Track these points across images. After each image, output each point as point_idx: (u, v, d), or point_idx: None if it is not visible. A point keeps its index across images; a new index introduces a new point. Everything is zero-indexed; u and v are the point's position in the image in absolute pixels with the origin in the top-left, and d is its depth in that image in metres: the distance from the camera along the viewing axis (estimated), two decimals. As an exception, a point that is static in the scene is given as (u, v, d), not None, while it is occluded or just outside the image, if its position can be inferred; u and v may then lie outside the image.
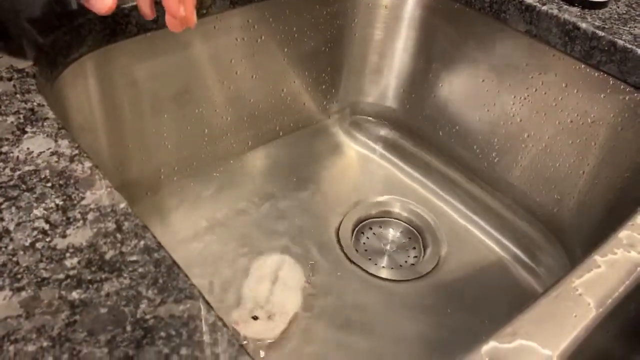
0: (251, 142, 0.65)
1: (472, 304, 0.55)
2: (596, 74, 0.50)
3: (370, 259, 0.59)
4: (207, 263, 0.55)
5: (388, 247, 0.60)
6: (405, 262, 0.59)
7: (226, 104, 0.60)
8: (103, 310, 0.23)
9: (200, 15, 0.51)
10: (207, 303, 0.24)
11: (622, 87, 0.49)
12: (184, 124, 0.57)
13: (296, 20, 0.60)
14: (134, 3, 0.46)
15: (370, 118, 0.72)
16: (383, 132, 0.71)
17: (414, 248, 0.61)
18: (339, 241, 0.59)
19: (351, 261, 0.57)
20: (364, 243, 0.60)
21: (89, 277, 0.25)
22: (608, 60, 0.49)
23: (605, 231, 0.37)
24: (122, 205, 0.28)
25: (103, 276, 0.25)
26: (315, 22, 0.62)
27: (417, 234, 0.62)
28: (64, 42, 0.41)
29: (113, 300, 0.24)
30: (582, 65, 0.51)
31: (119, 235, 0.26)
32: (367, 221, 0.63)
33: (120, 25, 0.45)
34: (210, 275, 0.54)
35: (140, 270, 0.25)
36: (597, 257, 0.32)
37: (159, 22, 0.48)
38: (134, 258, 0.25)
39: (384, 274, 0.57)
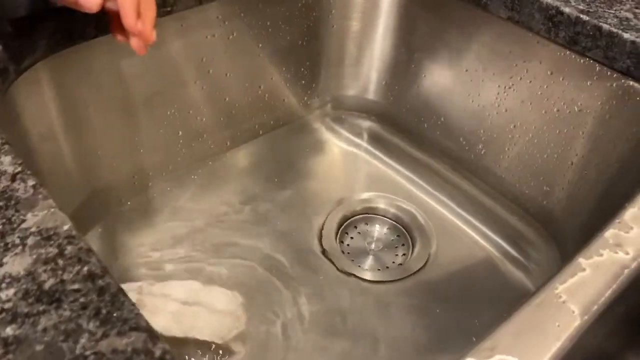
0: (230, 142, 0.63)
1: (462, 302, 0.53)
2: (582, 61, 0.48)
3: (355, 260, 0.57)
4: (185, 271, 0.53)
5: (374, 246, 0.58)
6: (393, 262, 0.57)
7: (200, 104, 0.58)
8: (39, 348, 0.21)
9: (164, 13, 0.48)
10: (154, 334, 0.22)
11: (608, 73, 0.47)
12: (156, 127, 0.55)
13: (270, 13, 0.58)
14: (92, 3, 0.43)
15: (353, 112, 0.69)
16: (366, 126, 0.69)
17: (403, 245, 0.59)
18: (321, 242, 0.57)
19: (333, 263, 0.55)
20: (348, 244, 0.58)
21: (25, 310, 0.23)
22: (593, 45, 0.47)
23: (596, 223, 0.35)
24: (65, 227, 0.26)
25: (41, 308, 0.23)
26: (291, 15, 0.60)
27: (405, 232, 0.60)
28: (15, 49, 0.39)
29: (50, 336, 0.22)
30: (567, 52, 0.49)
31: (60, 262, 0.24)
32: (352, 219, 0.61)
33: (78, 28, 0.43)
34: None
35: (81, 300, 0.23)
36: (581, 260, 0.30)
37: (119, 23, 0.45)
38: (75, 287, 0.23)
39: (370, 275, 0.55)
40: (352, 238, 0.59)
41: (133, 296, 0.45)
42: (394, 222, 0.61)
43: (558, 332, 0.27)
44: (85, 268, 0.24)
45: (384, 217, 0.61)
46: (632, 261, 0.30)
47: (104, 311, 0.23)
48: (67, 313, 0.22)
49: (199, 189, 0.60)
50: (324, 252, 0.56)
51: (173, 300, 0.46)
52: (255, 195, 0.61)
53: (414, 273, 0.56)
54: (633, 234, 0.32)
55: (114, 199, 0.54)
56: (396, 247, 0.58)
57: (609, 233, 0.31)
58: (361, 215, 0.61)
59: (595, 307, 0.28)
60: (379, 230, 0.60)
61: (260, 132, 0.65)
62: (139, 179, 0.56)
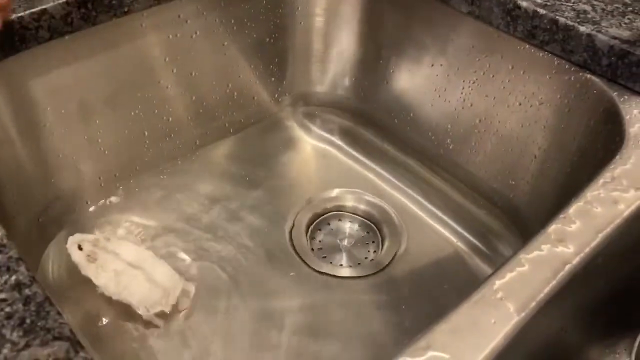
0: (199, 141, 0.63)
1: (429, 297, 0.54)
2: (541, 54, 0.48)
3: (325, 257, 0.57)
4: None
5: (345, 242, 0.59)
6: (365, 258, 0.57)
7: (165, 104, 0.57)
8: (-40, 359, 0.21)
9: (121, 13, 0.48)
10: (77, 343, 0.22)
11: (567, 66, 0.47)
12: (120, 128, 0.54)
13: (233, 11, 0.58)
14: (44, 6, 0.43)
15: (324, 108, 0.69)
16: (338, 122, 0.69)
17: (373, 242, 0.59)
18: (292, 240, 0.57)
19: (305, 261, 0.56)
20: (320, 240, 0.58)
21: (-51, 321, 0.23)
22: (551, 39, 0.47)
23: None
24: (-3, 236, 0.26)
25: (-35, 319, 0.23)
26: (256, 12, 0.60)
27: (375, 228, 0.60)
28: (-37, 54, 0.39)
29: (-27, 346, 0.22)
30: (526, 46, 0.49)
31: (-12, 271, 0.24)
32: (323, 217, 0.61)
33: (30, 31, 0.43)
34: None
35: (7, 309, 0.23)
36: (522, 255, 0.30)
37: (74, 24, 0.45)
38: (2, 296, 0.23)
39: (340, 272, 0.55)
40: (323, 235, 0.59)
41: (87, 247, 0.47)
42: (363, 219, 0.61)
43: (494, 330, 0.27)
44: (13, 277, 0.24)
45: (355, 214, 0.61)
46: (573, 256, 0.31)
47: (28, 321, 0.23)
48: (-9, 323, 0.22)
49: (167, 189, 0.60)
50: (295, 249, 0.56)
51: (121, 260, 0.47)
52: (226, 194, 0.61)
53: (384, 269, 0.56)
54: (576, 228, 0.32)
55: (79, 202, 0.54)
56: (367, 243, 0.59)
57: (552, 228, 0.32)
58: (332, 212, 0.61)
59: (533, 303, 0.28)
60: (349, 226, 0.60)
61: (231, 131, 0.65)
62: (105, 180, 0.56)
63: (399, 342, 0.50)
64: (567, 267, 0.30)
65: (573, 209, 0.33)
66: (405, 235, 0.58)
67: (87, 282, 0.47)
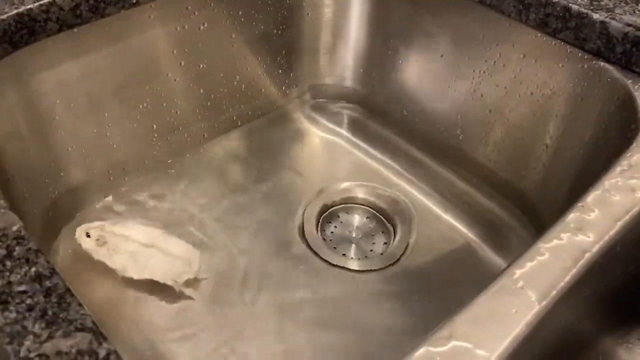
0: (207, 134, 0.62)
1: (441, 289, 0.53)
2: (553, 43, 0.48)
3: (336, 249, 0.57)
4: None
5: (355, 235, 0.58)
6: (372, 250, 0.57)
7: (174, 97, 0.57)
8: (-17, 351, 0.21)
9: (129, 5, 0.47)
10: (100, 334, 0.22)
11: (579, 54, 0.46)
12: (128, 122, 0.54)
13: (241, 3, 0.57)
14: (53, -2, 0.42)
15: (332, 100, 0.69)
16: (346, 114, 0.69)
17: (383, 234, 0.59)
18: (302, 233, 0.57)
19: (315, 253, 0.55)
20: (331, 232, 0.58)
21: (-30, 313, 0.22)
22: (564, 27, 0.46)
23: (572, 206, 0.35)
24: (14, 228, 0.26)
25: (-14, 311, 0.23)
26: (263, 4, 0.59)
27: (385, 220, 0.60)
28: (-27, 47, 0.39)
29: (-5, 338, 0.22)
30: (538, 34, 0.48)
31: (8, 263, 0.24)
32: (333, 209, 0.61)
33: (39, 23, 0.42)
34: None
35: (28, 301, 0.23)
36: (541, 245, 0.30)
37: (83, 17, 0.45)
38: (22, 288, 0.23)
39: (351, 264, 0.55)
40: (335, 227, 0.59)
41: (95, 233, 0.48)
42: (374, 211, 0.60)
43: (515, 319, 0.27)
44: (33, 269, 0.24)
45: (365, 205, 0.61)
46: (593, 244, 0.30)
47: (50, 312, 0.22)
48: (12, 315, 0.22)
49: (176, 183, 0.60)
50: (306, 241, 0.56)
51: (132, 241, 0.48)
52: (235, 186, 0.61)
53: (396, 261, 0.56)
54: (595, 217, 0.32)
55: (88, 196, 0.54)
56: (377, 235, 0.58)
57: (571, 217, 0.31)
58: (342, 204, 0.61)
59: (554, 292, 0.28)
60: (359, 218, 0.60)
61: (239, 123, 0.65)
62: (114, 174, 0.55)
63: (413, 333, 0.50)
64: (587, 255, 0.30)
65: (591, 198, 0.33)
66: (416, 226, 0.58)
67: (100, 274, 0.47)
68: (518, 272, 0.28)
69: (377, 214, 0.60)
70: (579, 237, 0.30)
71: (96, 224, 0.49)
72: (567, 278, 0.29)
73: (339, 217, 0.60)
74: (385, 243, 0.58)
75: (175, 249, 0.49)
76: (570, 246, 0.30)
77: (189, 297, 0.49)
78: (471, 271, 0.55)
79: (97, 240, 0.47)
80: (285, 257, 0.54)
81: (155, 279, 0.47)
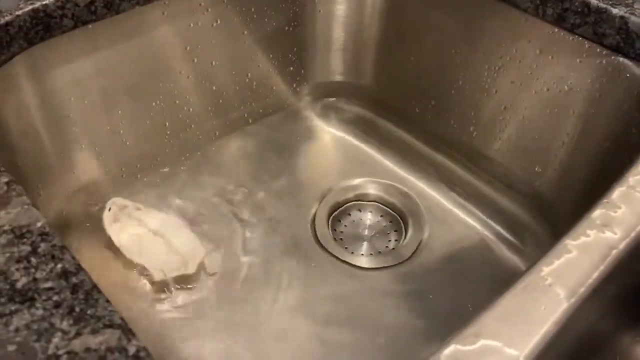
0: (218, 132, 0.62)
1: (456, 286, 0.53)
2: (571, 38, 0.47)
3: (348, 247, 0.56)
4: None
5: (367, 232, 0.58)
6: (386, 247, 0.56)
7: (186, 94, 0.57)
8: (11, 348, 0.21)
9: (144, 1, 0.47)
10: (129, 331, 0.22)
11: (598, 50, 0.46)
12: (141, 119, 0.54)
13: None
14: (68, -6, 0.42)
15: (343, 97, 0.68)
16: (357, 111, 0.68)
17: (395, 231, 0.58)
18: (314, 230, 0.57)
19: (327, 251, 0.55)
20: (341, 231, 0.58)
21: (-3, 310, 0.22)
22: (582, 22, 0.46)
23: (589, 203, 0.34)
24: (39, 224, 0.25)
25: (13, 308, 0.22)
26: (275, 1, 0.59)
27: (398, 217, 0.59)
28: (-11, 43, 0.38)
29: (23, 336, 0.21)
30: (556, 30, 0.48)
31: (33, 260, 0.24)
32: (344, 207, 0.60)
33: (55, 19, 0.42)
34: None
35: (55, 298, 0.23)
36: (568, 241, 0.29)
37: (97, 13, 0.44)
38: (48, 285, 0.23)
39: (363, 261, 0.55)
40: (345, 225, 0.58)
41: (114, 209, 0.50)
42: (386, 208, 0.60)
43: (544, 316, 0.26)
44: (59, 265, 0.24)
45: (377, 202, 0.61)
46: (619, 241, 0.30)
47: (77, 309, 0.22)
48: (39, 312, 0.22)
49: (188, 181, 0.59)
50: (317, 239, 0.56)
51: (144, 226, 0.49)
52: (246, 184, 0.61)
53: (408, 258, 0.55)
54: (621, 213, 0.31)
55: (101, 193, 0.54)
56: (389, 232, 0.58)
57: (597, 213, 0.31)
58: (353, 201, 0.61)
59: (583, 289, 0.28)
60: (371, 216, 0.60)
61: (250, 121, 0.65)
62: (127, 171, 0.55)
63: (426, 331, 0.49)
64: (614, 252, 0.29)
65: (616, 194, 0.32)
66: (428, 224, 0.58)
67: (113, 272, 0.47)
68: (546, 269, 0.28)
69: (389, 211, 0.60)
70: (605, 234, 0.30)
71: (122, 202, 0.50)
72: (595, 275, 0.28)
73: (350, 214, 0.60)
74: (397, 240, 0.57)
75: (180, 243, 0.49)
76: (597, 243, 0.29)
77: (166, 291, 0.48)
78: (485, 269, 0.55)
79: (114, 215, 0.48)
80: (297, 255, 0.54)
81: (146, 266, 0.47)
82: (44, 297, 0.23)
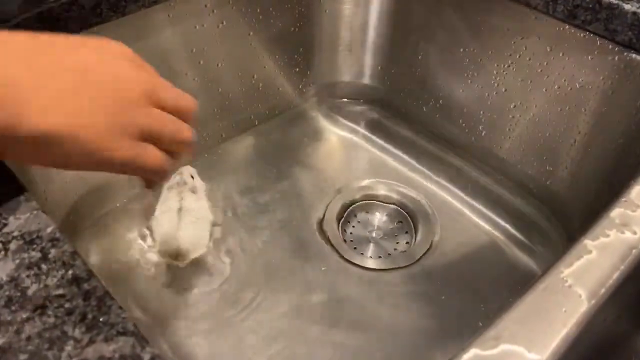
0: (225, 134, 0.62)
1: (468, 288, 0.52)
2: (582, 35, 0.46)
3: (357, 248, 0.56)
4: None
5: (376, 234, 0.57)
6: (395, 249, 0.56)
7: (192, 96, 0.56)
8: (23, 357, 0.21)
9: (150, 3, 0.47)
10: (142, 338, 0.21)
11: (610, 47, 0.45)
12: (148, 122, 0.53)
13: (259, 1, 0.56)
14: (74, -4, 0.42)
15: (350, 98, 0.68)
16: (364, 112, 0.68)
17: (405, 233, 0.58)
18: (323, 232, 0.56)
19: (337, 252, 0.54)
20: (350, 233, 0.57)
21: (8, 318, 0.22)
22: (593, 18, 0.45)
23: (602, 202, 0.34)
24: (49, 230, 0.25)
25: (24, 316, 0.22)
26: (281, 1, 0.58)
27: (408, 218, 0.59)
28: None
29: (35, 344, 0.21)
30: (566, 26, 0.47)
31: (44, 266, 0.23)
32: (353, 208, 0.60)
33: (60, 22, 0.42)
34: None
35: (66, 305, 0.22)
36: (587, 242, 0.29)
37: (103, 15, 0.44)
38: (60, 292, 0.23)
39: (374, 263, 0.54)
40: (353, 226, 0.58)
41: (174, 180, 0.50)
42: (395, 209, 0.60)
43: (565, 318, 0.26)
44: (70, 272, 0.23)
45: (385, 203, 0.60)
46: (639, 241, 0.29)
47: (89, 316, 0.22)
48: (51, 320, 0.22)
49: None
50: (326, 241, 0.55)
51: (174, 202, 0.49)
52: (254, 186, 0.60)
53: (418, 260, 0.55)
54: (640, 212, 0.30)
55: (110, 196, 0.54)
56: (399, 234, 0.57)
57: (615, 212, 0.30)
58: (362, 203, 0.60)
59: (603, 290, 0.27)
60: (380, 217, 0.59)
61: (256, 123, 0.64)
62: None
63: (437, 333, 0.49)
64: (634, 252, 0.29)
65: (634, 192, 0.32)
66: (439, 224, 0.57)
67: (122, 278, 0.47)
68: (566, 271, 0.27)
69: (399, 212, 0.59)
70: (625, 234, 0.29)
71: (187, 174, 0.50)
72: (616, 275, 0.28)
73: (358, 216, 0.59)
74: (407, 242, 0.57)
75: (186, 236, 0.48)
76: (617, 243, 0.29)
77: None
78: (497, 270, 0.54)
79: (172, 182, 0.49)
80: (306, 257, 0.54)
81: (151, 235, 0.48)
82: (55, 305, 0.22)
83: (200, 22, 0.53)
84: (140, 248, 0.52)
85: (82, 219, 0.52)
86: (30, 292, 0.23)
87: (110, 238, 0.53)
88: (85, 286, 0.23)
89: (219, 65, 0.57)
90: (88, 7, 0.43)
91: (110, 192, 0.53)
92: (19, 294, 0.22)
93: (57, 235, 0.25)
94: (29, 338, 0.21)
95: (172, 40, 0.52)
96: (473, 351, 0.24)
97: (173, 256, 0.47)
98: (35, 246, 0.24)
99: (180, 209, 0.48)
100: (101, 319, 0.22)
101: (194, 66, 0.55)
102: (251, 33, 0.58)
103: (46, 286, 0.23)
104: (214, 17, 0.53)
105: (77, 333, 0.21)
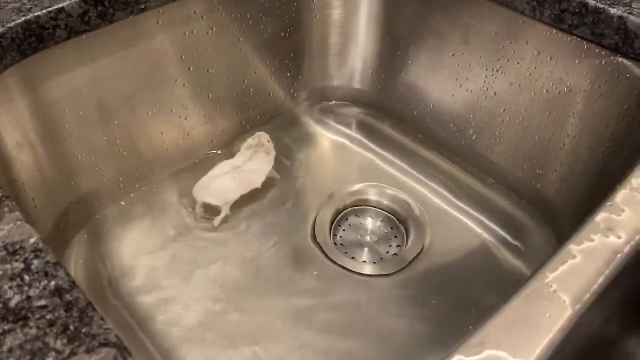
0: (216, 140, 0.62)
1: (459, 292, 0.52)
2: (569, 39, 0.47)
3: (349, 253, 0.56)
4: (176, 273, 0.52)
5: (368, 238, 0.57)
6: (388, 252, 0.56)
7: (183, 103, 0.56)
8: (4, 369, 0.20)
9: (138, 10, 0.47)
10: (125, 349, 0.21)
11: (597, 50, 0.45)
12: (138, 129, 0.53)
13: (249, 6, 0.56)
14: (61, 5, 0.42)
15: (341, 103, 0.68)
16: (355, 116, 0.68)
17: (396, 237, 0.58)
18: (314, 237, 0.56)
19: (329, 258, 0.54)
20: (341, 237, 0.57)
21: (-10, 330, 0.22)
22: (580, 23, 0.45)
23: (592, 205, 0.34)
24: (32, 241, 0.25)
25: (6, 327, 0.22)
26: (271, 7, 0.58)
27: (399, 223, 0.59)
28: (-18, 56, 0.38)
29: (17, 356, 0.21)
30: (554, 31, 0.47)
31: (27, 277, 0.23)
32: (345, 212, 0.60)
33: (48, 31, 0.42)
34: (181, 286, 0.51)
35: (49, 317, 0.22)
36: (572, 247, 0.29)
37: (91, 23, 0.44)
38: (42, 303, 0.22)
39: (365, 268, 0.54)
40: (344, 231, 0.58)
41: (255, 142, 0.60)
42: (387, 213, 0.60)
43: (549, 324, 0.26)
44: (53, 283, 0.23)
45: (377, 208, 0.60)
46: (624, 245, 0.29)
47: (72, 327, 0.22)
48: (33, 331, 0.22)
49: (186, 189, 0.59)
50: (317, 246, 0.55)
51: (243, 160, 0.59)
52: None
53: (410, 264, 0.55)
54: (625, 217, 0.31)
55: (100, 203, 0.53)
56: (390, 238, 0.57)
57: (600, 217, 0.30)
58: (354, 207, 0.60)
59: (588, 295, 0.27)
60: (371, 222, 0.59)
61: (248, 128, 0.64)
62: (125, 181, 0.55)
63: (429, 338, 0.49)
64: (619, 256, 0.29)
65: (619, 197, 0.32)
66: (430, 228, 0.57)
67: (113, 286, 0.47)
68: (550, 276, 0.27)
69: (390, 216, 0.59)
70: (610, 238, 0.29)
71: (262, 139, 0.60)
72: (600, 280, 0.28)
73: (350, 220, 0.59)
74: (399, 246, 0.57)
75: (217, 187, 0.56)
76: (602, 247, 0.29)
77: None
78: (488, 274, 0.54)
79: (251, 143, 0.60)
80: (298, 263, 0.54)
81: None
82: (37, 316, 0.22)
83: (190, 28, 0.53)
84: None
85: (73, 226, 0.52)
86: (12, 303, 0.23)
87: (101, 245, 0.53)
88: (68, 297, 0.23)
89: (210, 71, 0.57)
90: (76, 15, 0.43)
91: (100, 199, 0.53)
92: (1, 305, 0.22)
93: (41, 246, 0.25)
94: (10, 350, 0.21)
95: (162, 47, 0.52)
96: (457, 357, 0.24)
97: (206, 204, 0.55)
98: (18, 257, 0.24)
99: (238, 167, 0.57)
100: (83, 331, 0.22)
101: (184, 73, 0.55)
102: (241, 39, 0.58)
103: (29, 297, 0.23)
104: (203, 23, 0.53)
105: (59, 345, 0.21)
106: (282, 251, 0.54)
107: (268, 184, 0.60)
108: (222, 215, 0.55)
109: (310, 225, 0.57)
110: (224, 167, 0.58)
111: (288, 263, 0.54)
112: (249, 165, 0.58)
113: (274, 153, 0.60)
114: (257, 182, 0.58)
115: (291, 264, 0.54)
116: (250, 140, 0.59)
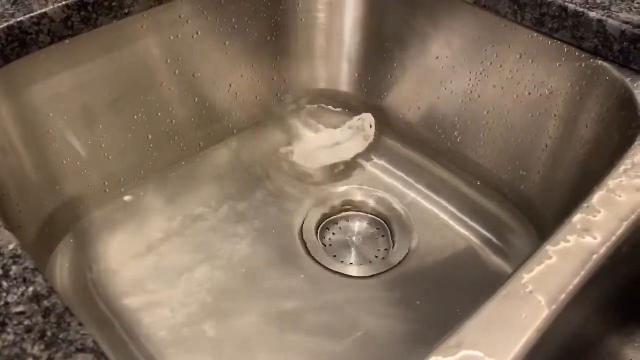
0: (203, 143, 0.62)
1: (444, 293, 0.53)
2: (550, 42, 0.47)
3: (336, 256, 0.56)
4: (162, 277, 0.52)
5: (355, 240, 0.58)
6: (376, 256, 0.56)
7: (169, 107, 0.56)
8: (-19, 376, 0.21)
9: (122, 15, 0.47)
10: (102, 354, 0.21)
11: (577, 53, 0.46)
12: (123, 133, 0.53)
13: (234, 10, 0.57)
14: (44, 10, 0.42)
15: (327, 106, 0.68)
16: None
17: (383, 237, 0.58)
18: (302, 240, 0.57)
19: (316, 260, 0.55)
20: (329, 239, 0.58)
21: (-33, 337, 0.22)
22: (560, 26, 0.46)
23: (573, 206, 0.34)
24: (11, 247, 0.25)
25: (-17, 334, 0.22)
26: (256, 10, 0.59)
27: (385, 225, 0.59)
28: (-37, 62, 0.38)
29: (-7, 363, 0.21)
30: (535, 34, 0.48)
31: (5, 283, 0.23)
32: (331, 215, 0.60)
33: (30, 36, 0.42)
34: (167, 290, 0.51)
35: (26, 323, 0.22)
36: (548, 247, 0.29)
37: (74, 28, 0.44)
38: (20, 309, 0.23)
39: (351, 270, 0.55)
40: (333, 233, 0.58)
41: (357, 122, 0.64)
42: (373, 216, 0.60)
43: (525, 324, 0.26)
44: (31, 289, 0.23)
45: (364, 211, 0.61)
46: (600, 246, 0.30)
47: (49, 333, 0.22)
48: (11, 337, 0.22)
49: (173, 192, 0.59)
50: (305, 248, 0.56)
51: (344, 138, 0.63)
52: (232, 195, 0.60)
53: (396, 266, 0.55)
54: (601, 218, 0.31)
55: (85, 208, 0.53)
56: (377, 241, 0.58)
57: (577, 218, 0.31)
58: (341, 210, 0.60)
59: (564, 295, 0.28)
60: (358, 224, 0.60)
61: (235, 131, 0.64)
62: (110, 185, 0.55)
63: (416, 339, 0.49)
64: (595, 257, 0.29)
65: (596, 198, 0.32)
66: (416, 230, 0.58)
67: (97, 291, 0.47)
68: (526, 277, 0.28)
69: (376, 219, 0.60)
70: (586, 239, 0.30)
71: (367, 121, 0.63)
72: (576, 281, 0.28)
73: (338, 223, 0.59)
74: (386, 249, 0.57)
75: (316, 154, 0.62)
76: (578, 248, 0.29)
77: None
78: (473, 274, 0.55)
79: (354, 123, 0.63)
80: (286, 266, 0.54)
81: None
82: (15, 322, 0.22)
83: (175, 32, 0.53)
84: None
85: (58, 230, 0.52)
86: (-10, 310, 0.23)
87: (87, 249, 0.53)
88: (46, 303, 0.23)
89: (195, 75, 0.57)
90: (58, 20, 0.43)
91: (85, 203, 0.53)
92: (-22, 312, 0.22)
93: (19, 252, 0.25)
94: (-13, 357, 0.21)
95: (147, 51, 0.52)
96: (434, 359, 0.25)
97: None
98: (-4, 263, 0.24)
99: (338, 144, 0.62)
100: (60, 336, 0.22)
101: (169, 77, 0.55)
102: (227, 43, 0.58)
103: (6, 303, 0.23)
104: (188, 27, 0.54)
105: (36, 350, 0.21)
106: (269, 254, 0.55)
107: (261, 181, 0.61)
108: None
109: (297, 228, 0.57)
110: (325, 138, 0.63)
111: (275, 265, 0.54)
112: (346, 145, 0.62)
113: (371, 140, 0.62)
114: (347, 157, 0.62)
115: (278, 267, 0.54)
116: (355, 121, 0.62)
